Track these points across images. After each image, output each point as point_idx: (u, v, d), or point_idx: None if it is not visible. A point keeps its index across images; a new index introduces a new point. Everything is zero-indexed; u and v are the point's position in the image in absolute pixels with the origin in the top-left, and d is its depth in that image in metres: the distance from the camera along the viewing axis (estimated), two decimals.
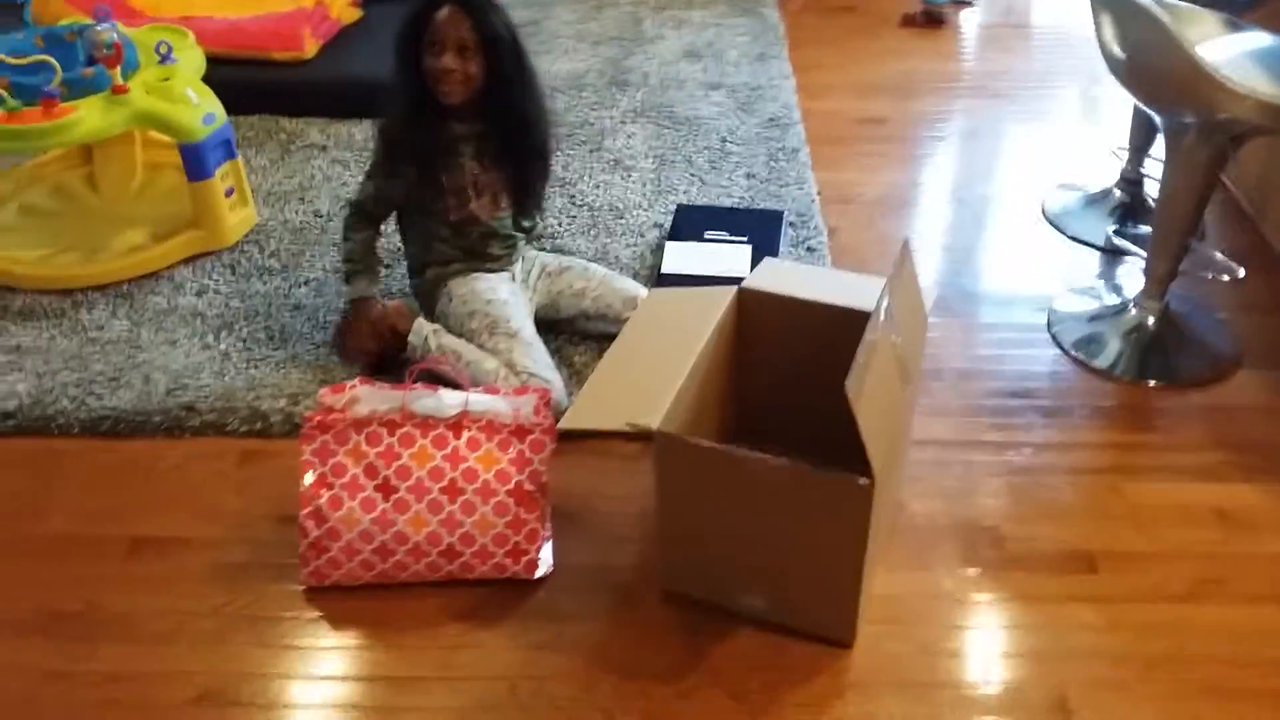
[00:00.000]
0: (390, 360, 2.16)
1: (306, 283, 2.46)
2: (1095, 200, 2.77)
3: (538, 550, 1.78)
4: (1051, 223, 2.73)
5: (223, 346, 2.27)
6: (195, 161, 2.44)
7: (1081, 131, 3.22)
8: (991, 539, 1.87)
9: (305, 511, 1.73)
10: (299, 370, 2.20)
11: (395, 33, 2.09)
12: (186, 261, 2.52)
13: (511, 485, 1.75)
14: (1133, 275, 2.52)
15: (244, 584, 1.78)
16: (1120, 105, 3.19)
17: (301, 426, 1.75)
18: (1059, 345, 2.33)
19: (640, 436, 1.78)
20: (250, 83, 3.10)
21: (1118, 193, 2.74)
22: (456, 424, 1.76)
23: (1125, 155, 2.72)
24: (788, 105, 3.22)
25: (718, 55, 3.53)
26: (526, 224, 2.29)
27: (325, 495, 1.74)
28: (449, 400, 1.78)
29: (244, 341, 2.28)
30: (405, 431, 1.76)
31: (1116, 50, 2.07)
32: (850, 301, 1.82)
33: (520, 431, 1.77)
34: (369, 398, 1.80)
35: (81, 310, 2.37)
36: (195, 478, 2.00)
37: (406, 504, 1.73)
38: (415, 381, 1.82)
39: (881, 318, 1.59)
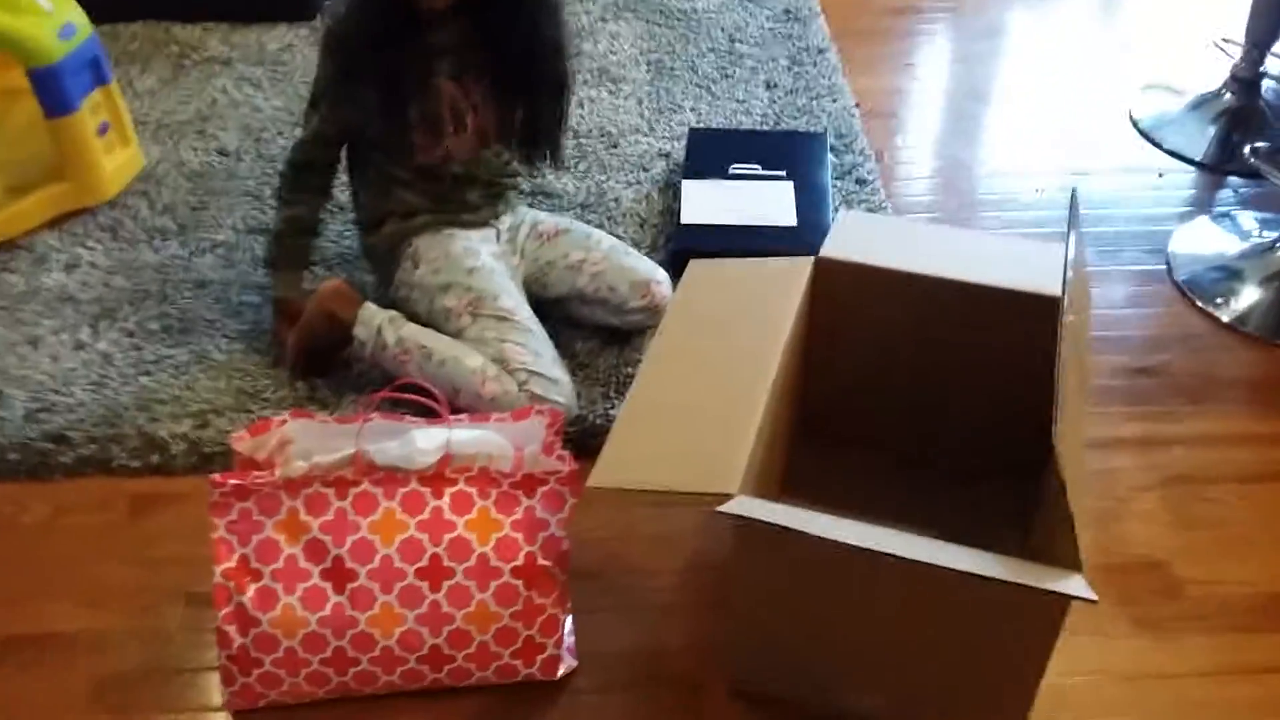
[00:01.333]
0: (329, 363, 1.61)
1: (213, 248, 1.87)
2: (1198, 105, 2.26)
3: (558, 642, 1.27)
4: (1145, 135, 2.22)
5: (102, 345, 1.69)
6: (52, 91, 1.82)
7: (1167, 18, 2.67)
8: (1163, 584, 1.40)
9: (224, 612, 1.20)
10: (208, 376, 1.63)
11: None
12: (51, 225, 1.92)
13: (520, 560, 1.23)
14: (1273, 200, 2.02)
15: (141, 702, 1.26)
16: None
17: (210, 475, 1.21)
18: (1187, 297, 1.84)
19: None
20: None
21: (1228, 96, 2.23)
22: (436, 476, 1.23)
23: (1236, 49, 2.19)
24: None
25: None
26: (532, 174, 1.73)
27: (251, 588, 1.20)
28: (422, 440, 1.24)
29: (130, 336, 1.70)
30: (362, 490, 1.22)
31: None
32: (969, 273, 1.32)
33: (529, 482, 1.24)
34: (304, 438, 1.26)
35: None
36: (69, 539, 1.45)
37: (370, 595, 1.21)
38: (374, 410, 1.27)
39: (1066, 305, 1.08)
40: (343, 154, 1.67)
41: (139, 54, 2.37)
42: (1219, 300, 1.82)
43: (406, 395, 1.28)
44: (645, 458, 1.14)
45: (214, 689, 1.25)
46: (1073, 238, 1.18)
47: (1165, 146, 2.18)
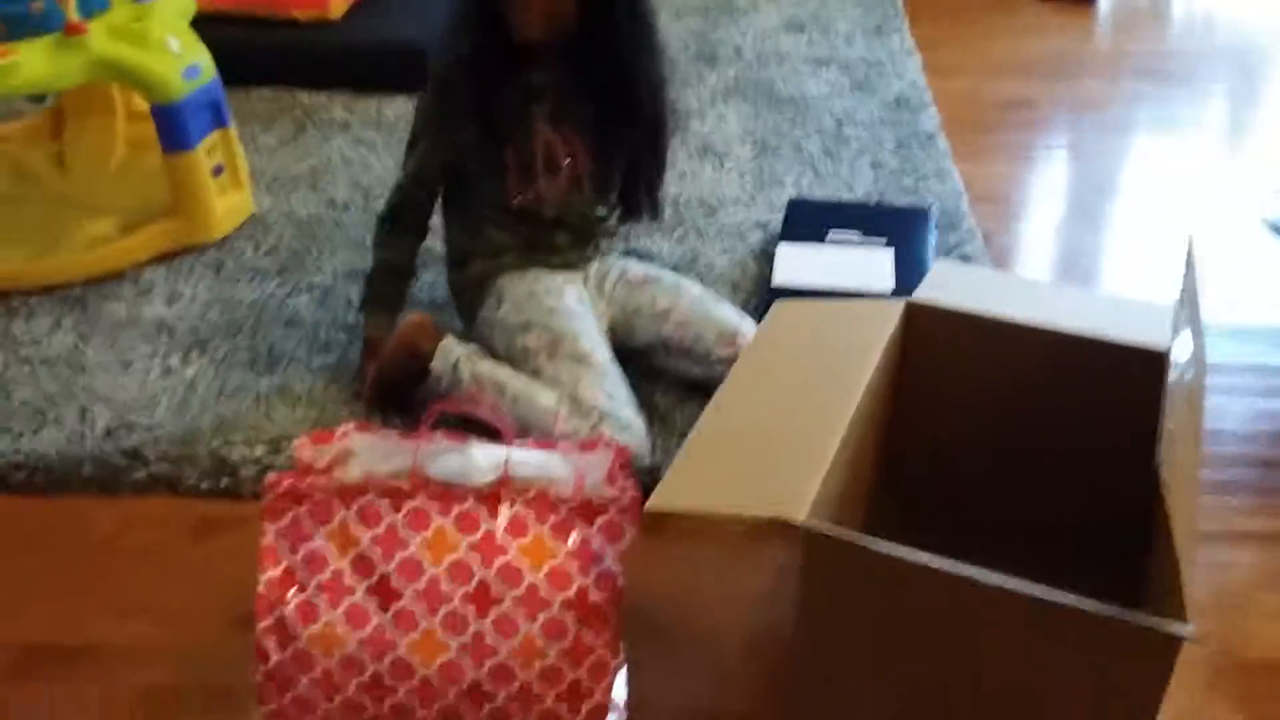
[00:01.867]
0: (408, 397, 1.59)
1: (309, 289, 1.90)
2: None
3: (606, 690, 1.18)
4: (1277, 232, 2.10)
5: (189, 372, 1.71)
6: (172, 128, 1.89)
7: None
8: None
9: (264, 624, 1.16)
10: (286, 405, 1.63)
11: None
12: (161, 259, 1.97)
13: (572, 592, 1.16)
14: None
15: (177, 718, 1.21)
16: None
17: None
18: None
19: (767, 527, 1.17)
20: (264, 47, 2.58)
21: None
22: (493, 495, 1.18)
23: None
24: (915, 84, 2.62)
25: (824, 27, 2.93)
26: (630, 224, 1.74)
27: (293, 600, 1.16)
28: (481, 458, 1.19)
29: (218, 365, 1.72)
30: (416, 506, 1.18)
31: None
32: (1068, 323, 1.23)
33: (587, 509, 1.18)
34: (366, 451, 1.23)
35: (18, 319, 1.83)
36: (131, 555, 1.44)
37: (413, 618, 1.15)
38: (436, 428, 1.23)
39: (1175, 354, 0.99)
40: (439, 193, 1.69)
41: (264, 114, 2.46)
42: None
43: (471, 410, 1.25)
44: (711, 485, 1.06)
45: (252, 708, 1.20)
46: (1186, 293, 1.09)
47: None
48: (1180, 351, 1.00)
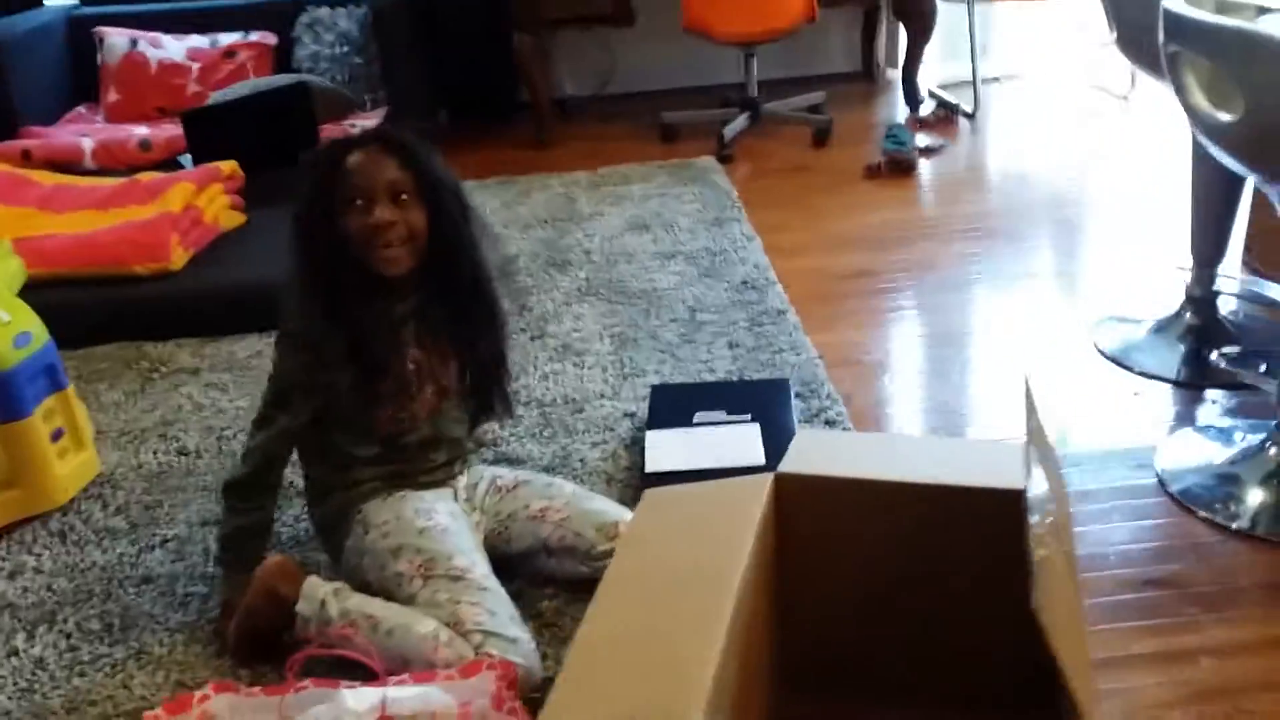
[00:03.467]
0: (276, 644, 1.49)
1: (164, 543, 1.80)
2: (1161, 328, 2.26)
3: None
4: (1114, 360, 2.20)
5: (36, 650, 1.58)
6: (4, 397, 1.81)
7: (1107, 256, 2.75)
8: None
9: None
10: (145, 671, 1.51)
11: (296, 211, 1.55)
12: (2, 532, 1.85)
13: None
14: (1253, 406, 1.97)
15: None
16: (1164, 218, 2.79)
17: None
18: (1186, 508, 1.75)
19: None
20: (105, 304, 2.53)
21: (1187, 316, 2.23)
22: None
23: (1189, 272, 2.22)
24: (759, 265, 2.72)
25: (668, 225, 3.04)
26: (485, 424, 1.71)
27: None
28: (353, 701, 1.12)
29: (68, 638, 1.60)
30: None
31: (1219, 114, 1.59)
32: (932, 475, 1.24)
33: None
34: (228, 713, 1.14)
35: None
36: None
37: None
38: (302, 678, 1.15)
39: (1032, 491, 1.00)
40: None
41: (108, 372, 2.39)
42: (1218, 506, 1.72)
43: (336, 652, 1.17)
44: (601, 697, 1.01)
45: None
46: (1032, 430, 1.12)
47: (1137, 370, 2.16)
48: (1036, 488, 1.02)
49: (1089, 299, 2.51)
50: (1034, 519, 0.96)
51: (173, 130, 3.30)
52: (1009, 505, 1.18)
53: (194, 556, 1.75)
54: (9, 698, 1.49)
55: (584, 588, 1.59)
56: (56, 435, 1.90)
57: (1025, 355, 2.28)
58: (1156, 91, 2.60)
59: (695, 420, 1.89)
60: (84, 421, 1.99)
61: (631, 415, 2.06)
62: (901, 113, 4.05)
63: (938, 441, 1.57)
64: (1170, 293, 2.33)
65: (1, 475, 1.88)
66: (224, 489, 1.59)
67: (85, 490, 1.95)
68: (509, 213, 3.23)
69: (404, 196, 1.51)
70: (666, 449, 1.82)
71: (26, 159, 3.18)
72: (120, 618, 1.63)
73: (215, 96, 3.42)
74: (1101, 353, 2.24)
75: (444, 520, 1.54)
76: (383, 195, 1.49)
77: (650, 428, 1.90)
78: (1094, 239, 2.94)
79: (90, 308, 2.49)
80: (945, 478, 1.23)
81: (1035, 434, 1.11)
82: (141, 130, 3.40)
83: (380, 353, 1.55)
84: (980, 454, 1.33)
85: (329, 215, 1.51)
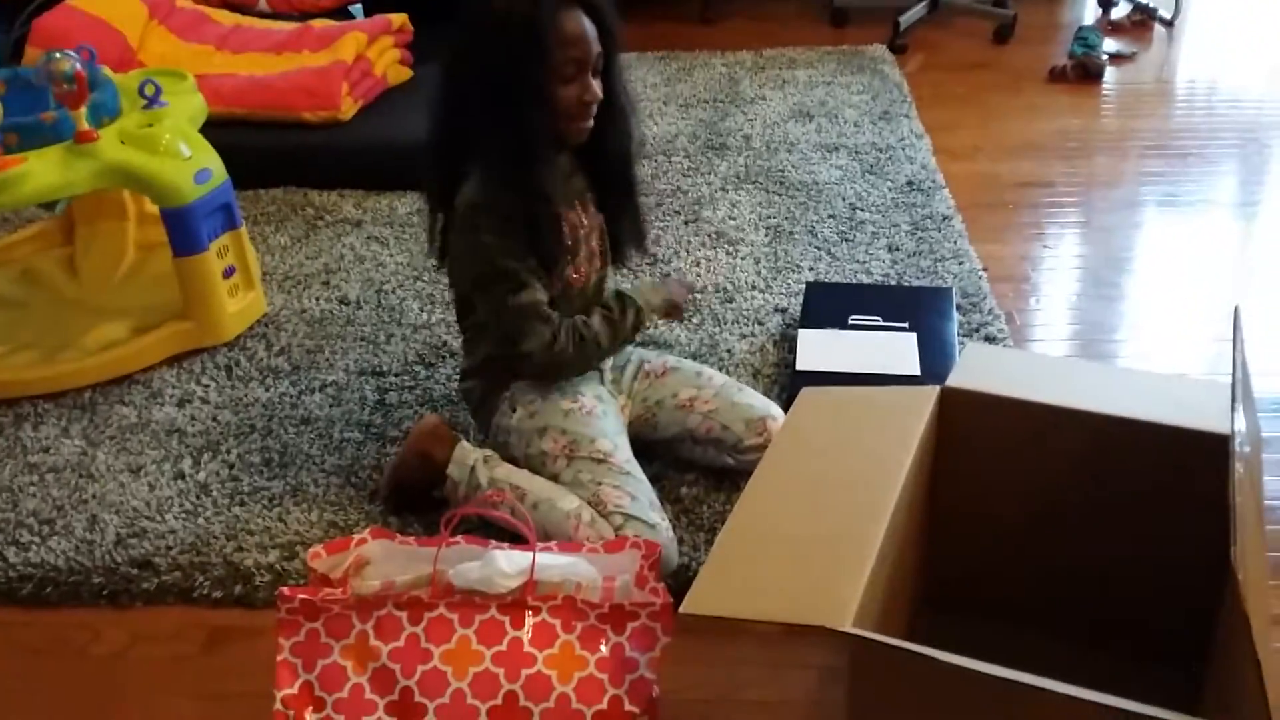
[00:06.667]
0: (425, 500, 1.55)
1: (322, 388, 1.87)
2: None
3: None
4: None
5: (201, 475, 1.67)
6: (183, 231, 1.88)
7: None
8: None
9: None
10: (300, 508, 1.59)
11: (488, 61, 1.43)
12: (171, 361, 1.95)
13: (604, 704, 1.10)
14: None
15: None
16: None
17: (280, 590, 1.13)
18: None
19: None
20: (275, 149, 2.59)
21: None
22: (518, 603, 1.13)
23: None
24: (926, 167, 2.61)
25: (832, 115, 2.94)
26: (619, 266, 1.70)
27: (311, 719, 1.10)
28: (505, 563, 1.15)
29: (231, 468, 1.68)
30: (437, 615, 1.13)
31: None
32: (1118, 407, 1.18)
33: (618, 615, 1.13)
34: (383, 559, 1.19)
35: (25, 426, 1.80)
36: (140, 670, 1.38)
37: None
38: (455, 534, 1.19)
39: (1238, 432, 0.94)
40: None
41: (275, 215, 2.46)
42: None
43: (491, 513, 1.20)
44: (746, 587, 1.01)
45: None
46: (1239, 362, 1.05)
47: None
48: (1238, 428, 0.96)
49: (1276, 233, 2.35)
50: (1235, 462, 0.91)
51: None
52: (1196, 446, 1.13)
53: (350, 404, 1.82)
54: (175, 518, 1.58)
55: (725, 477, 1.60)
56: (229, 272, 1.97)
57: (1204, 289, 2.15)
58: None
59: (850, 322, 1.85)
60: (253, 262, 2.06)
61: (783, 311, 2.03)
62: (1092, 14, 3.80)
63: (1120, 371, 1.49)
64: None
65: (176, 307, 1.98)
66: (581, 350, 1.52)
67: (251, 329, 2.03)
68: (669, 89, 3.17)
69: (597, 70, 1.47)
70: (819, 348, 1.79)
71: None
72: (280, 454, 1.71)
73: None
74: None
75: (589, 403, 1.55)
76: (591, 67, 1.45)
77: (803, 326, 1.86)
78: None
79: (262, 150, 2.54)
80: (1131, 411, 1.18)
81: (1240, 370, 1.05)
82: None
83: (558, 217, 1.52)
84: (1172, 390, 1.26)
85: (542, 79, 1.43)
